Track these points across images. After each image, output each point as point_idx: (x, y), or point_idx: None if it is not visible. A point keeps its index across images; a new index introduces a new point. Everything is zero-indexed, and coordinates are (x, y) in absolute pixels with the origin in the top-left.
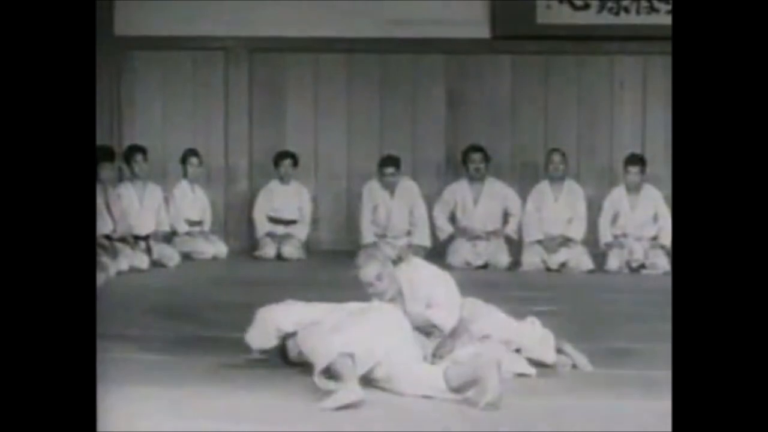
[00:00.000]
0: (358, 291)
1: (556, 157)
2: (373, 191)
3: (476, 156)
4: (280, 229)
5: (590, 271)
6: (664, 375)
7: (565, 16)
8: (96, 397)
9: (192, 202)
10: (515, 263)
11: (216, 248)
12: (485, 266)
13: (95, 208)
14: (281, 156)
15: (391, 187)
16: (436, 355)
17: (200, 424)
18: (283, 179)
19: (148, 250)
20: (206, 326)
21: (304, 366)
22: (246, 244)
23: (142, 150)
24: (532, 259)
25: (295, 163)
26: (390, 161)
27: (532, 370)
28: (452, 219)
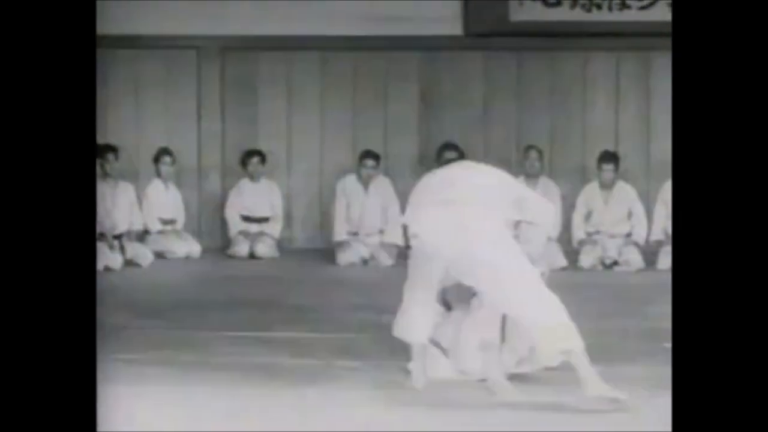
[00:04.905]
0: (332, 289)
1: (533, 154)
2: (347, 188)
3: (450, 154)
4: (253, 227)
5: (563, 269)
6: (639, 371)
7: (537, 13)
8: (96, 396)
9: (165, 200)
10: None
11: (189, 247)
12: None
13: (95, 208)
14: (249, 154)
15: (366, 183)
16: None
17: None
18: (253, 177)
19: (122, 249)
20: (180, 325)
21: None
22: (219, 243)
23: (114, 149)
24: None
25: (263, 161)
26: (370, 154)
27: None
28: None
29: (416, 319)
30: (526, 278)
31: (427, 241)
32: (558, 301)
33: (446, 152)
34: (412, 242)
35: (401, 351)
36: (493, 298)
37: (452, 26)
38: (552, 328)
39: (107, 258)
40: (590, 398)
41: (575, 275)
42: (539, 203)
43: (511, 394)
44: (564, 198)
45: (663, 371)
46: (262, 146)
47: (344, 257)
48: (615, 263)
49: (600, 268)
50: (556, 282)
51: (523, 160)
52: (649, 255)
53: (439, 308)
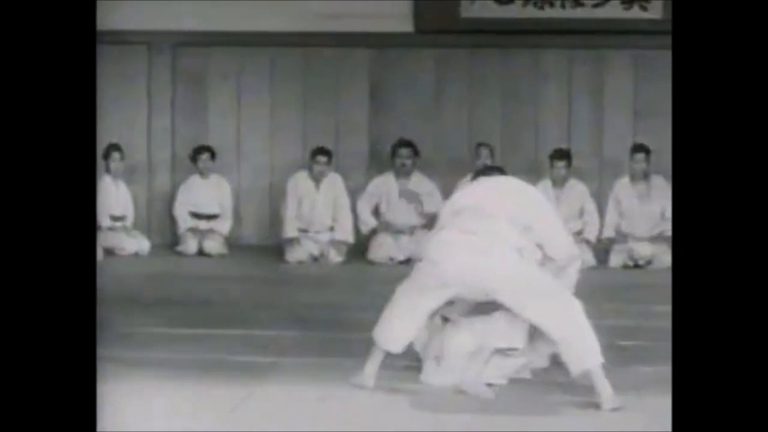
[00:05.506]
0: (281, 286)
1: (484, 152)
2: (298, 184)
3: (404, 151)
4: (202, 224)
5: None
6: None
7: (489, 10)
8: (96, 396)
9: (114, 197)
10: None
11: (138, 244)
12: (408, 261)
13: (95, 207)
14: (199, 150)
15: (318, 179)
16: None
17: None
18: (203, 174)
19: None
20: (128, 322)
21: None
22: (169, 240)
23: None
24: None
25: (213, 157)
26: (322, 151)
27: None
28: (376, 212)
29: (397, 330)
30: (554, 294)
31: (446, 270)
32: (584, 318)
33: (401, 149)
34: (429, 265)
35: (351, 349)
36: (521, 315)
37: (403, 23)
38: (577, 347)
39: None
40: (605, 410)
41: None
42: (561, 240)
43: (489, 395)
44: None
45: (622, 371)
46: (212, 142)
47: (293, 254)
48: None
49: None
50: None
51: (475, 158)
52: (601, 253)
53: (430, 322)
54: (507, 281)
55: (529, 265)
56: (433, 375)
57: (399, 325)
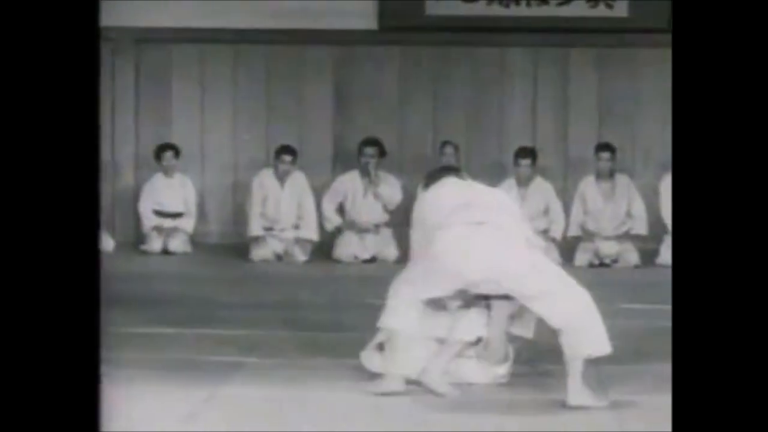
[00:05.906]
0: (245, 285)
1: (449, 150)
2: (263, 182)
3: (369, 150)
4: (167, 223)
5: None
6: (558, 369)
7: (454, 7)
8: (99, 396)
9: None
10: (404, 256)
11: (103, 242)
12: (373, 260)
13: (99, 206)
14: (162, 148)
15: (282, 178)
16: None
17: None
18: (167, 172)
19: None
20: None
21: None
22: (133, 238)
23: None
24: None
25: (177, 155)
26: (287, 150)
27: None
28: (341, 211)
29: (398, 310)
30: (562, 282)
31: (453, 262)
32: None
33: (366, 147)
34: (430, 261)
35: (314, 348)
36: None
37: (367, 20)
38: (579, 337)
39: None
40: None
41: None
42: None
43: (449, 392)
44: None
45: (591, 369)
46: (176, 140)
47: (258, 253)
48: None
49: None
50: None
51: (440, 156)
52: (566, 251)
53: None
54: (524, 272)
55: (540, 255)
56: (377, 361)
57: (398, 308)
